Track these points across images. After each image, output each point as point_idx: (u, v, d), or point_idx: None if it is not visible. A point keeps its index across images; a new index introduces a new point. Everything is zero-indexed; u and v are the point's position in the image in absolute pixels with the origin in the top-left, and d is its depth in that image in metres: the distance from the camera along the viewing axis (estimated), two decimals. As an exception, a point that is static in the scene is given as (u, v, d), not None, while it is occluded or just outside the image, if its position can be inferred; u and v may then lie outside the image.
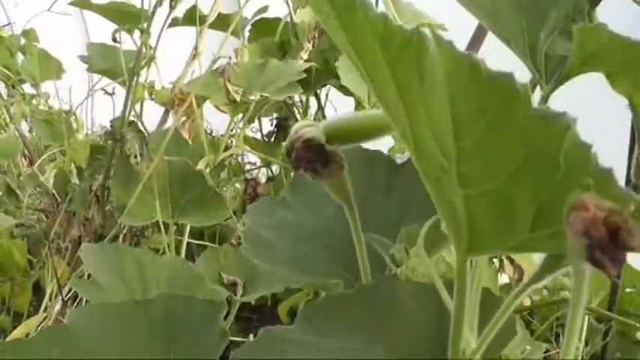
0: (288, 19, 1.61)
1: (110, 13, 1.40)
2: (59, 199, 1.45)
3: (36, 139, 1.97)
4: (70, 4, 1.46)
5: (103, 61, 1.55)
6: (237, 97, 1.22)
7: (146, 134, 1.36)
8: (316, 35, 1.31)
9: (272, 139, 1.73)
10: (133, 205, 1.23)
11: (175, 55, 1.59)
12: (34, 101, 1.96)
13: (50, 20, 2.14)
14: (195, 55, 1.47)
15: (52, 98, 2.09)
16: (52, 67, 1.92)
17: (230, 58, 1.45)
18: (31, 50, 1.92)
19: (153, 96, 1.44)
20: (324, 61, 1.57)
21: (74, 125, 1.87)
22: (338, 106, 1.67)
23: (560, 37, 0.62)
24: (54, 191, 1.41)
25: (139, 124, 1.40)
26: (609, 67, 0.52)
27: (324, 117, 1.64)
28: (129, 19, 1.41)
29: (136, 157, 1.25)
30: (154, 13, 1.41)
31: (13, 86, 1.93)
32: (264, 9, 1.55)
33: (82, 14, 3.18)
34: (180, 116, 1.33)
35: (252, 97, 1.28)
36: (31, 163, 1.92)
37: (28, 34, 1.98)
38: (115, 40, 1.46)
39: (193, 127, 1.38)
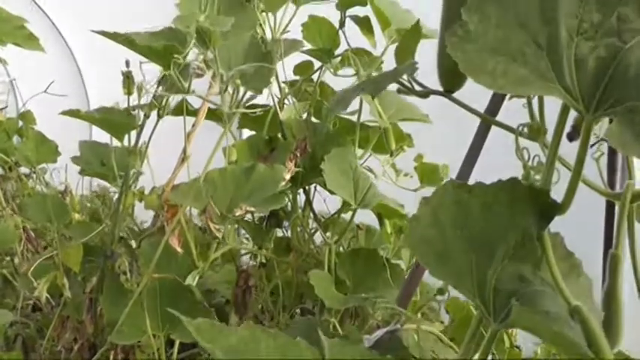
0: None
1: (100, 122, 1.44)
2: (53, 303, 1.49)
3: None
4: (61, 113, 1.50)
5: (95, 160, 1.59)
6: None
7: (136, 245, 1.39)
8: (298, 155, 1.34)
9: (264, 225, 1.76)
10: (123, 321, 1.27)
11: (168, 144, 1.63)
12: (30, 182, 2.00)
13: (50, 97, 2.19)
14: (184, 158, 1.51)
15: (48, 177, 2.13)
16: (47, 150, 1.96)
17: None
18: (27, 133, 1.96)
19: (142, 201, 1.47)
20: (310, 158, 1.61)
21: (69, 206, 1.92)
22: (326, 197, 1.71)
23: (510, 263, 0.66)
24: (47, 295, 1.44)
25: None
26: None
27: (311, 209, 1.68)
28: (119, 128, 1.45)
29: (125, 273, 1.28)
30: (143, 124, 1.45)
31: (10, 169, 1.97)
32: (253, 107, 1.58)
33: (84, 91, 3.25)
34: (171, 228, 1.37)
35: (238, 213, 1.31)
36: (30, 242, 1.96)
37: (25, 116, 2.02)
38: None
39: (182, 233, 1.42)
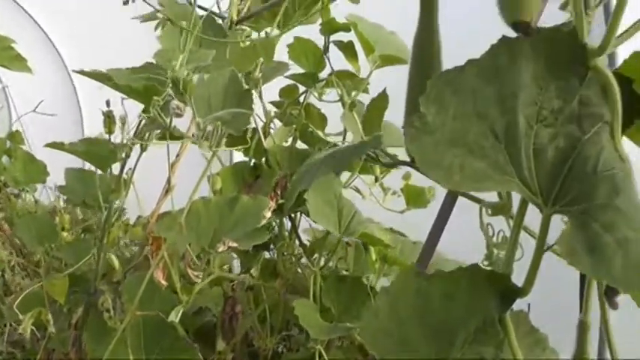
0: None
1: (84, 155, 1.44)
2: (38, 335, 1.49)
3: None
4: (46, 146, 1.50)
5: (81, 189, 1.59)
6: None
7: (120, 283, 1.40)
8: (279, 192, 1.34)
9: (251, 248, 1.77)
10: (107, 359, 1.28)
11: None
12: (19, 201, 2.01)
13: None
14: (167, 189, 1.51)
15: (39, 193, 2.14)
16: (36, 171, 1.96)
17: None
18: (16, 153, 1.97)
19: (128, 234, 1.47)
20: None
21: (59, 225, 1.92)
22: (313, 223, 1.71)
23: (470, 348, 0.66)
24: (33, 327, 1.45)
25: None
26: None
27: (297, 236, 1.68)
28: (102, 160, 1.45)
29: (108, 310, 1.29)
30: (127, 155, 1.45)
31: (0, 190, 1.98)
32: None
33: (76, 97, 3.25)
34: (156, 261, 1.37)
35: (220, 249, 1.31)
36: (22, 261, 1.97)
37: (14, 136, 2.02)
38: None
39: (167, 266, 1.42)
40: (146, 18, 1.44)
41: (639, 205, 0.55)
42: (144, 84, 1.19)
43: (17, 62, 1.87)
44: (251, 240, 1.37)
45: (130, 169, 1.54)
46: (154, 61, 1.30)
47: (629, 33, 0.64)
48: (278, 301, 1.74)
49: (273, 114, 1.74)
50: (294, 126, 1.73)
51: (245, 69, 1.21)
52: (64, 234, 1.95)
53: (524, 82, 0.62)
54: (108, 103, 1.23)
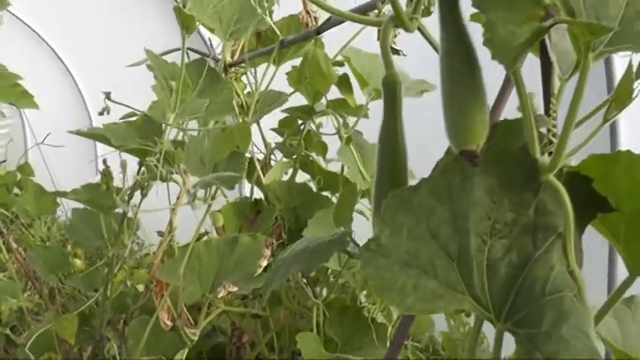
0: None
1: (86, 202, 1.48)
2: (52, 375, 1.55)
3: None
4: (53, 193, 1.54)
5: (87, 229, 1.64)
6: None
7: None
8: (274, 241, 1.37)
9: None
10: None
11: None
12: (31, 231, 2.06)
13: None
14: (170, 230, 1.55)
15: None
16: (46, 203, 2.01)
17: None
18: (26, 185, 2.02)
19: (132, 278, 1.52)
20: (295, 219, 1.64)
21: (71, 257, 1.98)
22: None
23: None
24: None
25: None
26: None
27: (300, 267, 1.71)
28: (104, 207, 1.49)
29: (114, 357, 1.34)
30: (130, 197, 1.49)
31: (12, 221, 2.03)
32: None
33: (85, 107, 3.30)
34: (161, 303, 1.41)
35: (220, 295, 1.35)
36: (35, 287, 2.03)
37: (24, 169, 2.07)
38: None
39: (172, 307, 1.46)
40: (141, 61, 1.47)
41: (587, 332, 0.57)
42: (137, 145, 1.22)
43: (24, 99, 1.91)
44: (250, 283, 1.40)
45: (135, 205, 1.59)
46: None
47: (580, 146, 0.65)
48: (283, 329, 1.78)
49: (273, 145, 1.77)
50: (295, 157, 1.76)
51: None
52: (77, 261, 2.01)
53: (477, 198, 0.64)
54: (105, 162, 1.26)
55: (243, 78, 1.69)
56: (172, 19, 1.39)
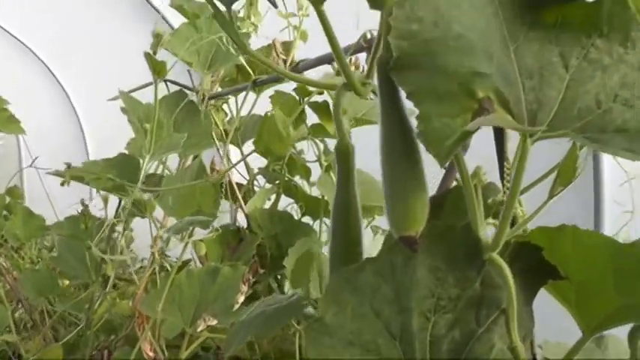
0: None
1: (68, 235, 1.49)
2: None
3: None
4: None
5: (72, 259, 1.65)
6: None
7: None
8: (250, 277, 1.39)
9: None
10: None
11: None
12: (22, 253, 2.08)
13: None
14: (152, 261, 1.56)
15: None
16: (35, 226, 2.03)
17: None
18: (15, 209, 2.03)
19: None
20: (277, 246, 1.65)
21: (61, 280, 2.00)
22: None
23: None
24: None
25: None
26: None
27: (283, 293, 1.73)
28: (85, 239, 1.50)
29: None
30: (112, 230, 1.50)
31: (1, 244, 2.05)
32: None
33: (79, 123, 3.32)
34: (143, 335, 1.43)
35: (200, 328, 1.37)
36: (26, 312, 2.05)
37: (13, 192, 2.09)
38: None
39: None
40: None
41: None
42: (114, 183, 1.23)
43: (10, 124, 1.93)
44: (230, 318, 1.42)
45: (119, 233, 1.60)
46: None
47: (519, 225, 0.66)
48: (269, 353, 1.80)
49: (256, 171, 1.78)
50: (278, 182, 1.77)
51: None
52: (66, 282, 2.03)
53: (420, 277, 0.65)
54: (83, 202, 1.28)
55: (225, 104, 1.70)
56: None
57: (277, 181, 1.77)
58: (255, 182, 1.78)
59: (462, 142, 0.56)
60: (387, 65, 0.58)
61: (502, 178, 0.83)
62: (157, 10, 2.07)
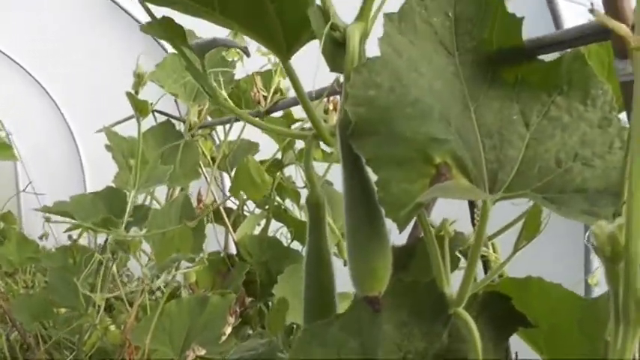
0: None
1: (57, 267, 1.50)
2: None
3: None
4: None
5: (64, 288, 1.67)
6: None
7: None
8: (237, 309, 1.39)
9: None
10: None
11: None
12: (16, 277, 2.09)
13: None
14: (143, 289, 1.58)
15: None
16: (29, 251, 2.04)
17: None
18: (9, 234, 2.05)
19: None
20: (267, 272, 1.66)
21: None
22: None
23: None
24: None
25: None
26: None
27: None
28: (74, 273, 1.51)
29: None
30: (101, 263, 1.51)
31: (-5, 269, 2.06)
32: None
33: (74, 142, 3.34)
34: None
35: (189, 358, 1.37)
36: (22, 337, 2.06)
37: (6, 217, 2.10)
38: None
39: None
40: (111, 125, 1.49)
41: None
42: (101, 218, 1.24)
43: (4, 151, 1.94)
44: (218, 348, 1.43)
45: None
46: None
47: (483, 281, 0.67)
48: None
49: (245, 197, 1.79)
50: (267, 207, 1.78)
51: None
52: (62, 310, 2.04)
53: (386, 331, 0.66)
54: (70, 237, 1.29)
55: (213, 131, 1.71)
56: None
57: (267, 206, 1.78)
58: (245, 207, 1.79)
59: (419, 209, 0.57)
60: (347, 129, 0.59)
61: (473, 224, 0.84)
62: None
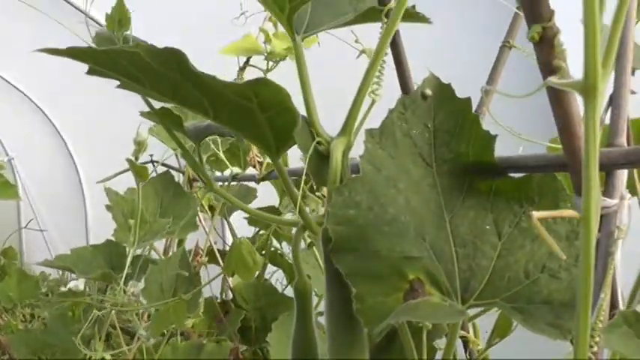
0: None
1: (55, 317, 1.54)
2: None
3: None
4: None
5: (63, 331, 1.70)
6: None
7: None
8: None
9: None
10: None
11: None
12: (16, 312, 2.13)
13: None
14: (138, 339, 1.61)
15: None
16: (29, 287, 2.08)
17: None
18: (10, 270, 2.08)
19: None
20: (262, 319, 1.70)
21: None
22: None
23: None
24: None
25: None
26: None
27: (267, 364, 1.77)
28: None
29: None
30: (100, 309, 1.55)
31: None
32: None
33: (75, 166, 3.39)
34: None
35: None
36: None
37: (7, 253, 2.14)
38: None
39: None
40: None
41: None
42: (100, 273, 1.28)
43: (7, 190, 1.98)
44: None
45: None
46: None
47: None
48: None
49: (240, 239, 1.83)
50: (264, 252, 1.81)
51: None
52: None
53: None
54: (70, 290, 1.33)
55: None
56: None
57: (263, 251, 1.81)
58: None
59: (393, 321, 0.61)
60: (328, 243, 0.63)
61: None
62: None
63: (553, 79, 0.48)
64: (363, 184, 0.64)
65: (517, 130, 0.78)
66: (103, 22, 0.93)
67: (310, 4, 0.70)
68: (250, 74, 1.65)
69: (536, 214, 0.38)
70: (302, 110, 0.70)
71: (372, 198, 0.63)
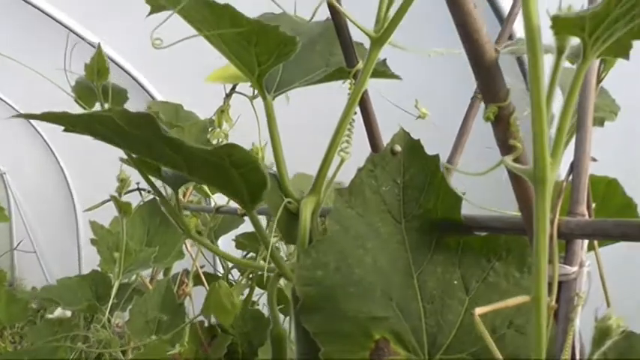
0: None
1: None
2: None
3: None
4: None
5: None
6: None
7: None
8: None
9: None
10: None
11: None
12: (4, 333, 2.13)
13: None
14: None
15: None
16: (18, 310, 2.08)
17: None
18: (0, 292, 2.09)
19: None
20: (248, 344, 1.71)
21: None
22: None
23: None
24: None
25: None
26: None
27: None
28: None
29: None
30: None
31: (-15, 327, 2.10)
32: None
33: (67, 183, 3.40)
34: None
35: None
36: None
37: (-3, 272, 2.15)
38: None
39: None
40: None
41: None
42: (87, 304, 1.29)
43: (-4, 213, 1.99)
44: None
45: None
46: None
47: None
48: None
49: (230, 266, 1.84)
50: (252, 275, 1.83)
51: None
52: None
53: None
54: (57, 320, 1.34)
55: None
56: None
57: (251, 275, 1.82)
58: (230, 276, 1.84)
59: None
60: (297, 303, 0.64)
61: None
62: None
63: (507, 160, 0.50)
64: (330, 245, 0.65)
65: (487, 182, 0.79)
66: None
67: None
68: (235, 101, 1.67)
69: (478, 310, 0.39)
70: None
71: (339, 259, 0.64)
